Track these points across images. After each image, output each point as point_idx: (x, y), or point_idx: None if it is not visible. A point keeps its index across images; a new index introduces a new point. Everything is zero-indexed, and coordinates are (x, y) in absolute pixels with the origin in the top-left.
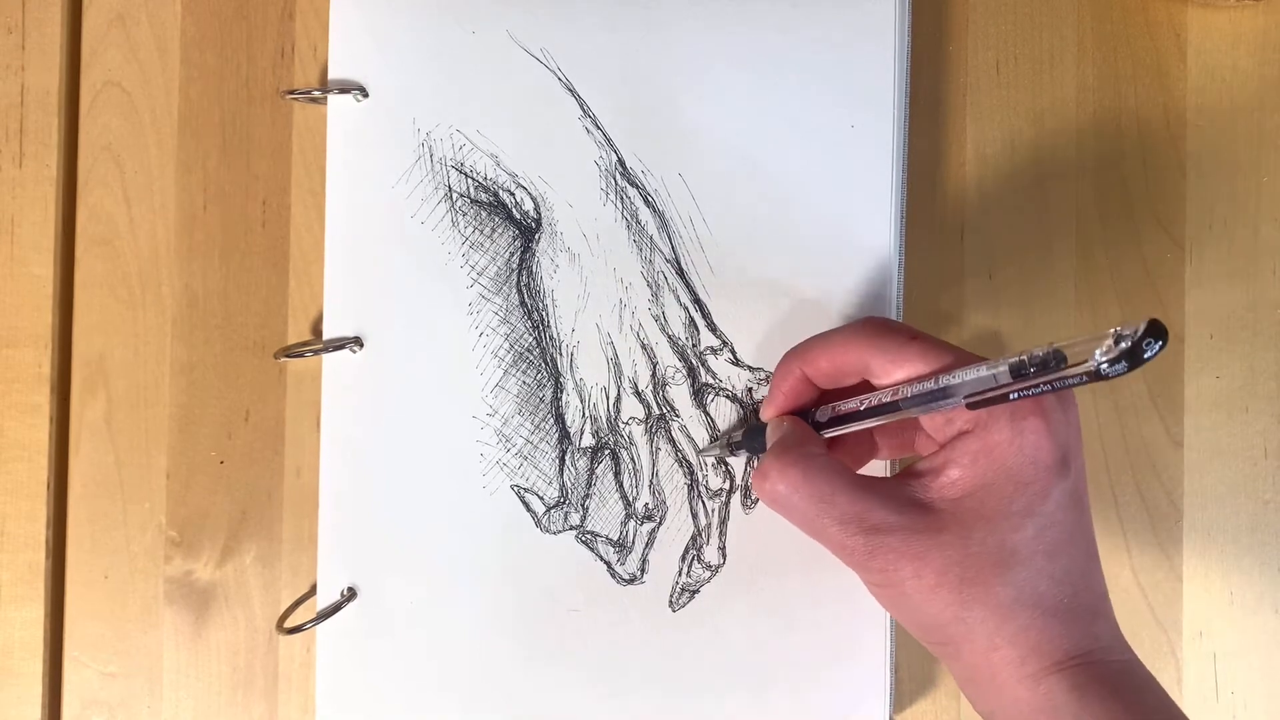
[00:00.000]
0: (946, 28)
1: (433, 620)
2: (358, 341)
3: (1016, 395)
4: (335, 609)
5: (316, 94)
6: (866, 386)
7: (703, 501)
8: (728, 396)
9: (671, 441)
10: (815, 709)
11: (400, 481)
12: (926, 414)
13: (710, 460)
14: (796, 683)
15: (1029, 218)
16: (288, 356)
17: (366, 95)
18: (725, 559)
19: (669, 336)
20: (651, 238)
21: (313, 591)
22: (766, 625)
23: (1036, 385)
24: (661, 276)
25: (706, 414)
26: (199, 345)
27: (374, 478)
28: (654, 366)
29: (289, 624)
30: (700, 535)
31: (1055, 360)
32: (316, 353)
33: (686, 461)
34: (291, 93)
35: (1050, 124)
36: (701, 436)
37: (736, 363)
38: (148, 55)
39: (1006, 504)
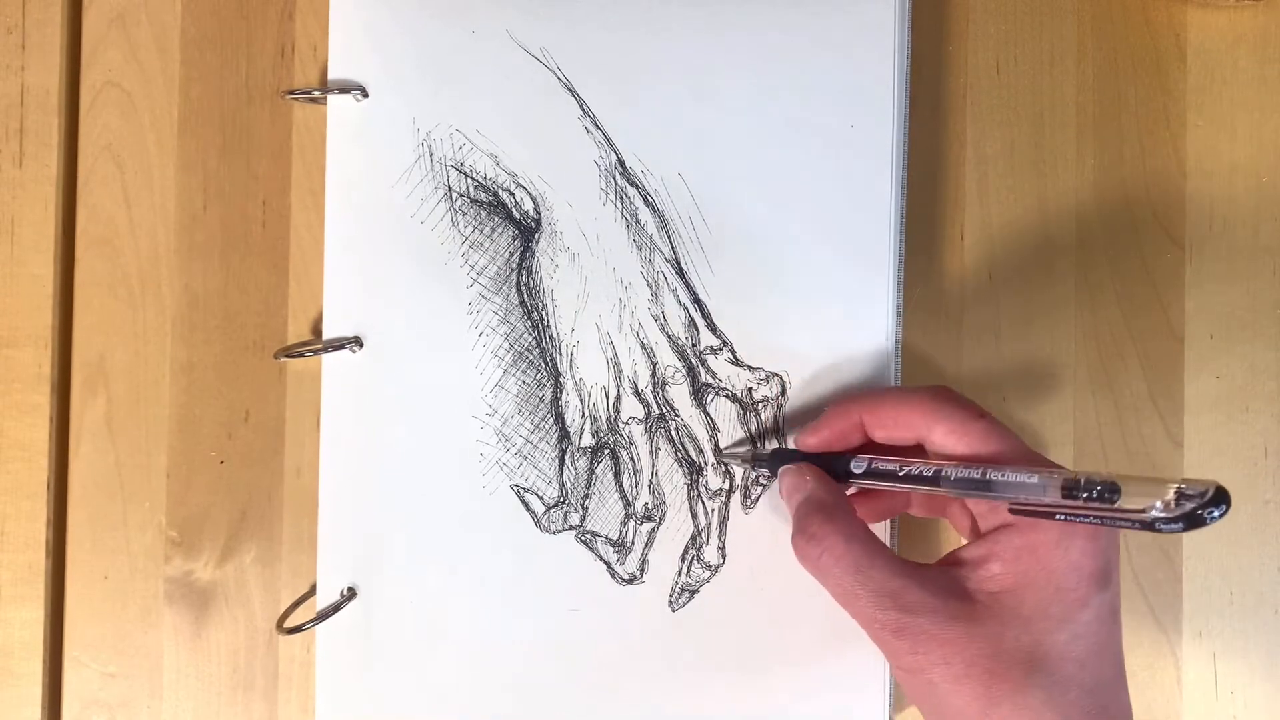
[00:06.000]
0: (946, 28)
1: (432, 620)
2: (358, 341)
3: (1063, 517)
4: (335, 609)
5: (316, 94)
6: (915, 449)
7: (702, 501)
8: (727, 396)
9: (671, 441)
10: (815, 709)
11: (400, 481)
12: (966, 499)
13: (711, 460)
14: (796, 683)
15: (1028, 217)
16: (288, 356)
17: (366, 95)
18: (725, 559)
19: (669, 336)
20: (651, 238)
21: (313, 591)
22: (766, 625)
23: (1086, 515)
24: (661, 276)
25: (706, 414)
26: (199, 345)
27: (374, 478)
28: (654, 366)
29: (289, 624)
30: (700, 535)
31: (1109, 491)
32: (316, 353)
33: (686, 461)
34: (291, 93)
35: (1050, 124)
36: (701, 436)
37: (736, 362)
38: (148, 55)
39: (1045, 607)
